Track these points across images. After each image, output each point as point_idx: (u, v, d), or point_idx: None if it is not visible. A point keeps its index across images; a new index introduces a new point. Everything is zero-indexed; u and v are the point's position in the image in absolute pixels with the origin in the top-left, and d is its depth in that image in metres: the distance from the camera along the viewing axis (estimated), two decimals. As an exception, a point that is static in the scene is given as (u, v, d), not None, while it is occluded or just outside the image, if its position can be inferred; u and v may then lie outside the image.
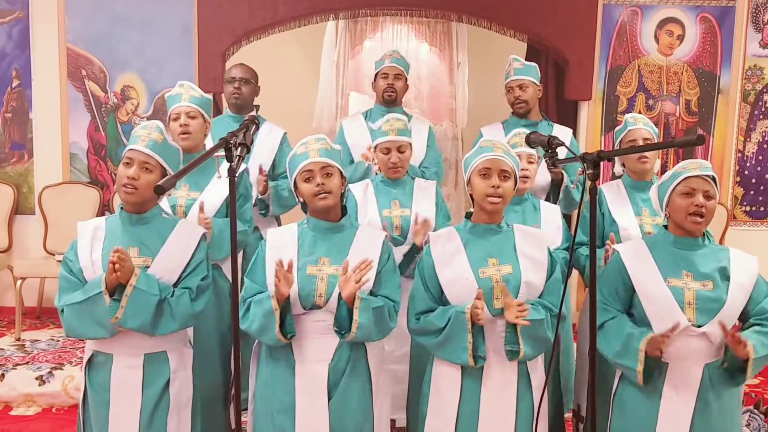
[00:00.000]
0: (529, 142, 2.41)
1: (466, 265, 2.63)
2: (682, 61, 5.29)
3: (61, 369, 4.30)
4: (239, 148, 2.07)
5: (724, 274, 2.55)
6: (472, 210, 2.75)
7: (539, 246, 2.69)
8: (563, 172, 3.73)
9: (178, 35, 5.24)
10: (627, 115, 3.39)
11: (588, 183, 1.93)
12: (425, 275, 2.69)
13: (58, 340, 4.82)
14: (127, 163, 2.60)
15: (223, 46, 5.18)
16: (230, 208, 1.96)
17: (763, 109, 5.34)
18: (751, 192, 5.40)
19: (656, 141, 3.36)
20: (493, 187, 2.57)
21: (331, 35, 6.46)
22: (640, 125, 3.31)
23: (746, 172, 5.38)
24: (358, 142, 4.05)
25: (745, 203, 5.41)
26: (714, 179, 2.56)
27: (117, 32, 5.27)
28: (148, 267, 2.60)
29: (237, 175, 3.22)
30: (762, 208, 5.41)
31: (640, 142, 3.28)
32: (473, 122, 6.59)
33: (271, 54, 6.14)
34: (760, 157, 5.37)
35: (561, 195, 3.74)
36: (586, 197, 1.97)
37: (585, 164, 1.93)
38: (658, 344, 2.44)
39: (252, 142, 2.14)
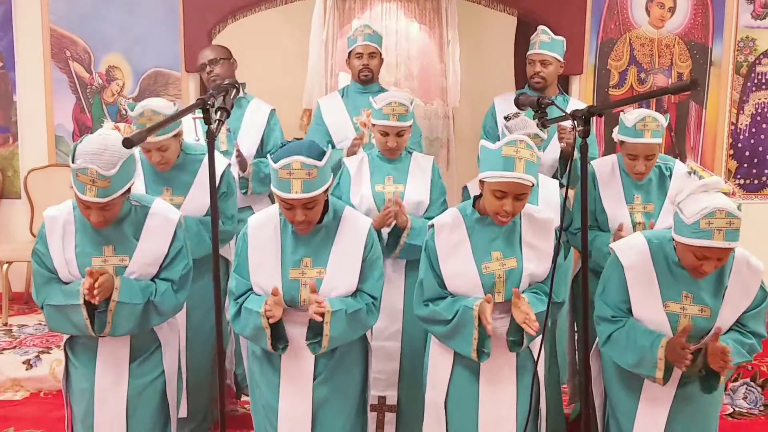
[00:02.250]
0: (518, 104, 2.35)
1: (470, 259, 2.58)
2: (674, 34, 5.22)
3: (49, 353, 4.27)
4: (219, 112, 2.01)
5: (723, 295, 2.45)
6: (477, 195, 2.64)
7: (546, 235, 2.62)
8: (574, 147, 3.62)
9: (163, 14, 5.14)
10: (637, 119, 3.12)
11: (579, 141, 1.88)
12: (432, 261, 2.62)
13: (46, 325, 4.75)
14: (86, 207, 2.44)
15: (208, 24, 5.09)
16: (210, 177, 1.90)
17: (756, 81, 5.29)
18: (745, 165, 5.36)
19: (660, 147, 3.25)
20: (506, 211, 2.46)
21: (320, 14, 6.37)
22: (647, 138, 3.11)
23: (739, 145, 5.34)
24: (336, 121, 4.00)
25: (738, 176, 5.37)
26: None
27: (101, 12, 5.17)
28: (126, 266, 2.55)
29: (223, 171, 3.21)
30: (756, 181, 5.38)
31: (641, 159, 3.15)
32: (464, 100, 6.54)
33: (259, 33, 6.07)
34: (754, 130, 5.32)
35: (569, 168, 3.59)
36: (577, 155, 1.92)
37: (575, 121, 1.87)
38: (679, 356, 2.33)
39: (232, 106, 2.08)
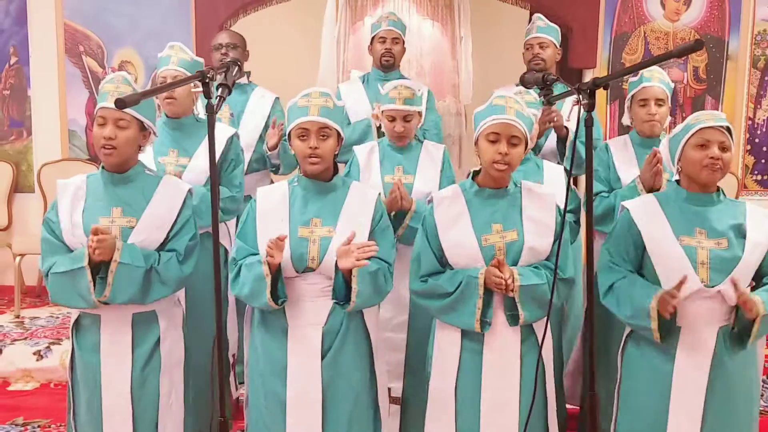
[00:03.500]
0: (524, 82, 2.32)
1: (470, 230, 2.54)
2: (690, 27, 5.16)
3: (59, 344, 4.27)
4: (220, 89, 1.99)
5: (740, 231, 2.43)
6: (477, 169, 2.63)
7: (547, 208, 2.59)
8: (567, 128, 3.61)
9: (175, 8, 5.18)
10: (644, 71, 3.25)
11: (583, 114, 1.84)
12: (429, 236, 2.60)
13: (58, 317, 4.79)
14: (102, 123, 2.50)
15: (220, 18, 5.11)
16: (209, 149, 1.88)
17: (773, 75, 5.22)
18: (762, 161, 5.28)
19: (670, 96, 3.26)
20: (501, 153, 2.45)
21: (332, 11, 6.35)
22: (655, 82, 3.21)
23: (757, 140, 5.26)
24: (355, 106, 3.96)
25: (755, 172, 5.29)
26: (729, 130, 2.43)
27: (114, 7, 5.23)
28: (133, 227, 2.53)
29: (229, 139, 3.21)
30: (773, 177, 5.31)
31: (652, 104, 3.19)
32: (477, 97, 6.49)
33: (271, 29, 6.07)
34: (771, 125, 5.25)
35: (567, 151, 3.59)
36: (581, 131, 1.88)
37: (580, 95, 1.84)
38: (667, 303, 2.32)
39: (234, 84, 2.06)
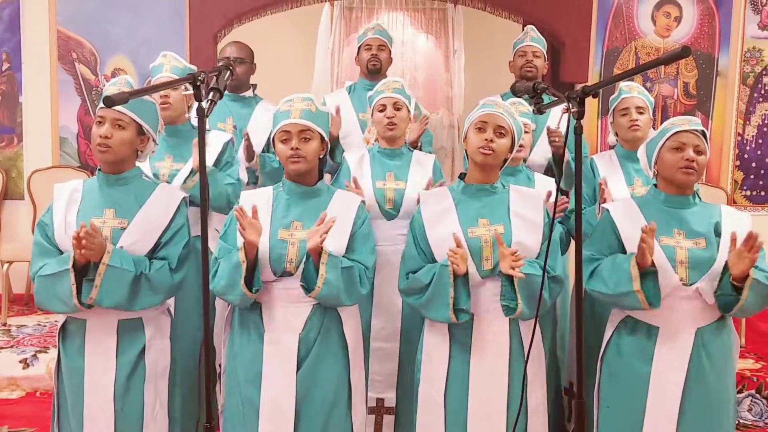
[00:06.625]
0: (515, 91, 2.34)
1: (456, 224, 2.56)
2: (680, 43, 5.20)
3: (46, 352, 4.24)
4: (212, 93, 1.99)
5: (717, 231, 2.49)
6: (463, 173, 2.69)
7: (535, 207, 2.61)
8: (566, 147, 3.63)
9: (169, 17, 5.17)
10: (622, 83, 3.32)
11: (573, 122, 1.85)
12: (417, 234, 2.63)
13: (45, 326, 4.75)
14: (99, 122, 2.51)
15: (214, 28, 5.11)
16: (199, 155, 1.87)
17: (762, 92, 5.26)
18: (751, 176, 5.31)
19: (651, 110, 3.30)
20: (486, 140, 2.52)
21: (326, 22, 6.38)
22: (634, 93, 3.28)
23: (746, 156, 5.29)
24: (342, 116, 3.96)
25: (745, 188, 5.32)
26: (704, 134, 2.51)
27: (107, 15, 5.21)
28: (124, 229, 2.51)
29: (225, 143, 3.22)
30: (762, 193, 5.32)
31: (633, 111, 3.24)
32: (469, 110, 6.50)
33: (265, 40, 6.07)
34: (760, 141, 5.28)
35: (564, 171, 3.58)
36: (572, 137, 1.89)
37: (570, 103, 1.84)
38: (643, 252, 2.35)
39: (225, 87, 2.06)
